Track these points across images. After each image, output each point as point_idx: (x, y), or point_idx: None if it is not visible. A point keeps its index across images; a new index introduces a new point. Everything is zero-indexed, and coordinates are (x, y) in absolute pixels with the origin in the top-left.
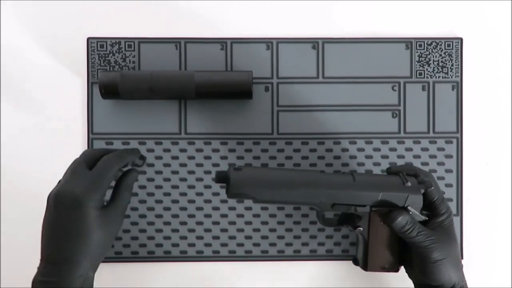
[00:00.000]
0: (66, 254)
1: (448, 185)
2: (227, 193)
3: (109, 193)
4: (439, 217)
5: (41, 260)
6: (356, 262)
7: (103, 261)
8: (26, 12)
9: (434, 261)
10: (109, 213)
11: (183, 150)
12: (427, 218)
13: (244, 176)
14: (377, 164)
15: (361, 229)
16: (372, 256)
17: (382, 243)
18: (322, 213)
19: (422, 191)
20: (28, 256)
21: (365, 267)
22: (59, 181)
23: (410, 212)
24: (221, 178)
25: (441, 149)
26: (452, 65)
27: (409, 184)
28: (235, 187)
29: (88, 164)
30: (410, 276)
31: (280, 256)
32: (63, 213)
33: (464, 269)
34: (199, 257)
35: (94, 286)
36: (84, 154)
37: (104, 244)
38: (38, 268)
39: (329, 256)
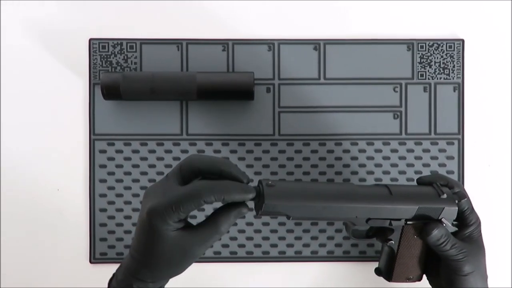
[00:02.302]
0: (134, 266)
1: None
2: (258, 211)
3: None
4: (469, 227)
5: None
6: (378, 272)
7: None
8: (28, 12)
9: (465, 274)
10: (189, 237)
11: (184, 151)
12: (457, 229)
13: (278, 193)
14: (378, 165)
15: (393, 242)
16: (399, 268)
17: (412, 255)
18: (353, 226)
19: (457, 202)
20: (28, 256)
21: (390, 278)
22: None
23: (444, 224)
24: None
25: (442, 151)
26: (454, 66)
27: (444, 196)
28: (269, 205)
29: (184, 175)
30: (431, 284)
31: (281, 258)
32: (142, 223)
33: None
34: (200, 258)
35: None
36: (188, 160)
37: (174, 265)
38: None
39: (330, 257)
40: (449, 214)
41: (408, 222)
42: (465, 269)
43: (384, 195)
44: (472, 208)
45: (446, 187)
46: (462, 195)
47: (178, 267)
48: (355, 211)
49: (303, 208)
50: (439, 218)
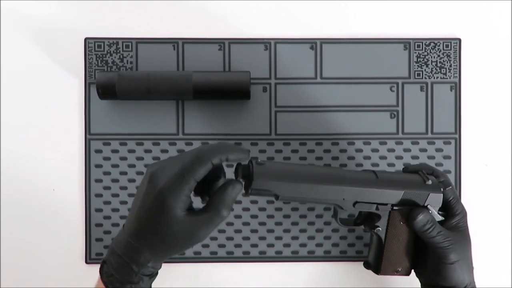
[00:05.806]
0: (136, 241)
1: None
2: (247, 189)
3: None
4: (455, 217)
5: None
6: (367, 266)
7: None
8: (24, 12)
9: (450, 262)
10: (195, 220)
11: (180, 151)
12: (444, 218)
13: (267, 171)
14: (375, 165)
15: (380, 229)
16: (387, 259)
17: (399, 244)
18: (339, 212)
19: (442, 189)
20: (23, 256)
21: (378, 271)
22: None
23: (430, 211)
24: (244, 172)
25: (439, 150)
26: (451, 65)
27: (430, 182)
28: (259, 182)
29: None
30: (419, 276)
31: (278, 257)
32: (151, 202)
33: None
34: (197, 258)
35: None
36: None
37: (178, 247)
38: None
39: (327, 257)
40: (434, 200)
41: (394, 208)
42: (451, 257)
43: (370, 179)
44: (458, 198)
45: (432, 176)
46: (448, 183)
47: (180, 249)
48: (342, 193)
49: (292, 188)
50: (425, 204)
